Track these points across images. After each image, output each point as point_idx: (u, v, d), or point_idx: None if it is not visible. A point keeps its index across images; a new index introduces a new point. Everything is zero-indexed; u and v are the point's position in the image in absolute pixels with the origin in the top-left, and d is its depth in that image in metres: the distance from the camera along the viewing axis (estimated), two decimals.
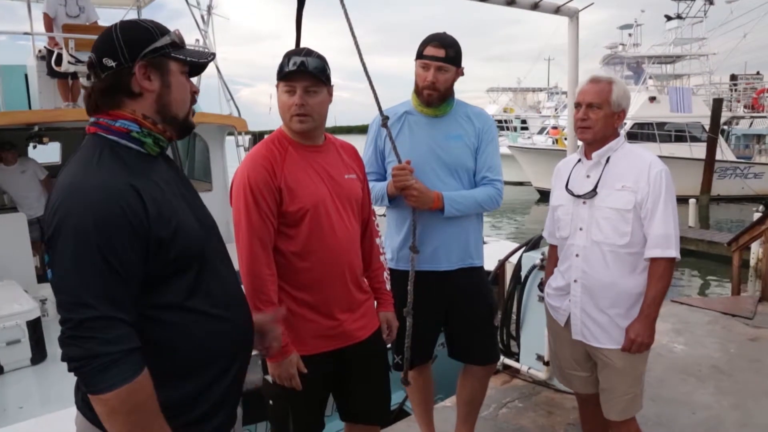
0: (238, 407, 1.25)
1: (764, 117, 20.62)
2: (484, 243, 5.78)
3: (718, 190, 16.66)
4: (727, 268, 6.11)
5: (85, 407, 1.05)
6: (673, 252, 1.77)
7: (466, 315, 2.16)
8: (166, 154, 1.17)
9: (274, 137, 1.65)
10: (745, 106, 21.13)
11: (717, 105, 16.24)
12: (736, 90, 21.32)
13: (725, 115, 17.97)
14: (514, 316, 3.15)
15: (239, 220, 1.56)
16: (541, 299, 2.32)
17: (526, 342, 3.07)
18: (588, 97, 1.82)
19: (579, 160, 1.95)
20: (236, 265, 1.54)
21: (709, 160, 16.23)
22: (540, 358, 2.99)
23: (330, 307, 1.65)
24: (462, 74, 2.08)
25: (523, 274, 3.01)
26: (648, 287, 1.80)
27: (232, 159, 5.72)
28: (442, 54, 1.96)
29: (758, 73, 23.95)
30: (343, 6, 1.79)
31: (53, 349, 3.52)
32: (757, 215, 6.84)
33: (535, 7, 2.48)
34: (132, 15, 6.70)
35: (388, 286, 1.89)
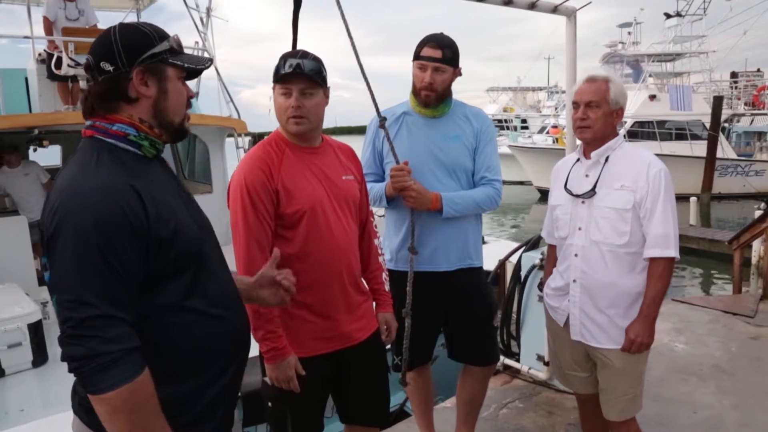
0: (235, 409, 1.25)
1: (765, 114, 20.56)
2: (485, 243, 5.77)
3: (719, 188, 16.63)
4: (729, 267, 6.09)
5: (81, 411, 1.06)
6: (673, 252, 1.77)
7: (466, 315, 2.16)
8: (161, 157, 1.17)
9: (271, 139, 1.65)
10: (745, 104, 21.07)
11: (717, 103, 16.21)
12: (736, 87, 21.28)
13: (726, 113, 17.93)
14: (514, 316, 3.14)
15: (236, 222, 1.56)
16: (541, 299, 2.31)
17: (527, 342, 3.07)
18: (586, 96, 1.82)
19: (578, 160, 1.95)
20: (233, 267, 1.54)
21: (710, 158, 16.20)
22: (540, 358, 2.98)
23: (328, 308, 1.65)
24: (460, 74, 2.08)
25: (522, 274, 3.00)
26: (647, 287, 1.79)
27: (232, 160, 5.72)
28: (439, 55, 1.96)
29: (759, 70, 23.91)
30: (339, 6, 1.79)
31: (54, 351, 3.52)
32: (758, 213, 6.83)
33: (532, 6, 2.48)
34: (131, 18, 6.72)
35: (387, 287, 1.89)
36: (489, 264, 3.51)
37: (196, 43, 5.82)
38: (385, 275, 1.90)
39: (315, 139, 1.67)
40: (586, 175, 1.89)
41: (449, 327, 2.21)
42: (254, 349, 1.56)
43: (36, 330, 3.44)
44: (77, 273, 0.95)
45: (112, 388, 0.93)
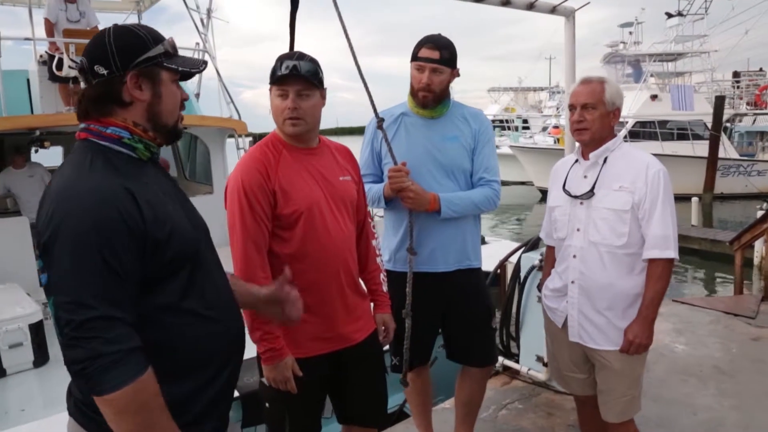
0: (230, 411, 1.25)
1: (767, 114, 20.50)
2: (486, 243, 5.74)
3: (721, 188, 16.59)
4: (731, 267, 6.07)
5: (77, 413, 1.06)
6: (672, 253, 1.76)
7: (464, 316, 2.16)
8: (155, 159, 1.17)
9: (268, 140, 1.65)
10: (747, 103, 21.01)
11: (719, 102, 16.18)
12: (738, 87, 21.22)
13: (728, 113, 17.89)
14: (513, 317, 3.14)
15: (233, 223, 1.57)
16: (541, 300, 2.31)
17: (526, 343, 3.07)
18: (582, 98, 1.82)
19: (576, 161, 1.95)
20: (231, 268, 1.55)
21: (712, 158, 16.16)
22: (540, 359, 2.98)
23: (326, 309, 1.65)
24: (458, 75, 2.08)
25: (522, 274, 3.00)
26: (646, 288, 1.79)
27: (232, 161, 5.73)
28: (437, 56, 1.96)
29: (761, 69, 23.86)
30: (337, 7, 1.79)
31: (55, 352, 3.53)
32: (760, 213, 6.80)
33: (530, 7, 2.48)
34: (132, 19, 6.73)
35: (385, 288, 1.89)
36: (490, 264, 3.52)
37: (197, 44, 5.84)
38: (383, 276, 1.90)
39: (312, 140, 1.67)
40: (585, 176, 1.89)
41: (447, 328, 2.21)
42: (252, 350, 1.57)
43: (37, 330, 3.45)
44: (76, 275, 0.95)
45: (115, 388, 0.94)
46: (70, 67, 4.49)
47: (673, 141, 16.81)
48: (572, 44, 2.70)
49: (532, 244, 3.06)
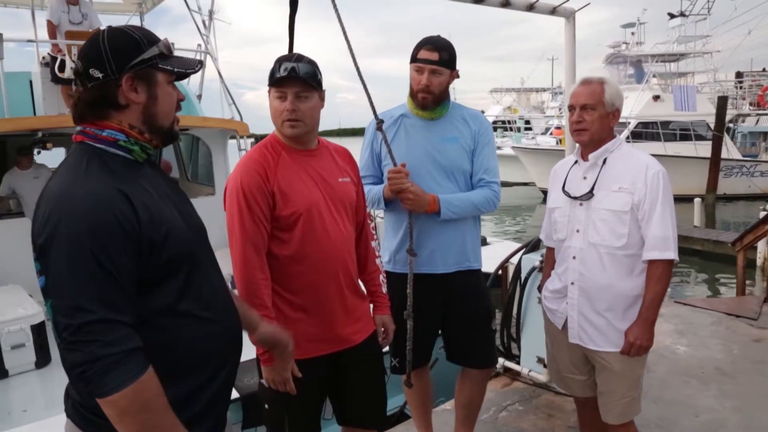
0: (228, 411, 1.26)
1: None
2: (488, 244, 5.71)
3: (724, 189, 16.53)
4: (734, 269, 6.04)
5: (75, 414, 1.07)
6: (672, 254, 1.76)
7: (464, 317, 2.16)
8: (152, 161, 1.18)
9: (267, 142, 1.66)
10: (750, 104, 20.93)
11: (722, 103, 16.12)
12: (741, 87, 21.15)
13: (731, 113, 17.83)
14: (514, 319, 3.14)
15: (233, 224, 1.57)
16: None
17: (527, 344, 3.06)
18: (581, 99, 1.82)
19: (576, 162, 1.95)
20: (230, 270, 1.55)
21: (715, 159, 16.11)
22: (541, 360, 2.97)
23: (325, 310, 1.65)
24: (457, 77, 2.08)
25: (522, 276, 3.00)
26: (646, 290, 1.79)
27: (234, 162, 5.73)
28: (436, 57, 1.97)
29: (764, 69, 23.77)
30: (336, 9, 1.80)
31: (57, 352, 3.54)
32: (763, 213, 6.77)
33: (530, 8, 2.48)
34: (135, 21, 6.76)
35: (384, 289, 1.89)
36: (492, 265, 3.52)
37: (199, 45, 5.85)
38: (382, 277, 1.90)
39: (311, 142, 1.68)
40: (584, 177, 1.88)
41: (447, 329, 2.21)
42: (252, 351, 1.58)
43: (39, 331, 3.47)
44: (73, 279, 0.95)
45: (116, 390, 0.94)
46: (72, 68, 4.51)
47: (675, 142, 16.76)
48: (572, 45, 2.70)
49: (533, 246, 3.06)
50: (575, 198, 1.88)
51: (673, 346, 3.64)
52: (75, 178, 1.02)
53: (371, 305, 1.86)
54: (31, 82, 5.40)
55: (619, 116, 1.87)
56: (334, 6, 1.79)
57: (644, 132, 16.89)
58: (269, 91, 1.60)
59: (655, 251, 1.76)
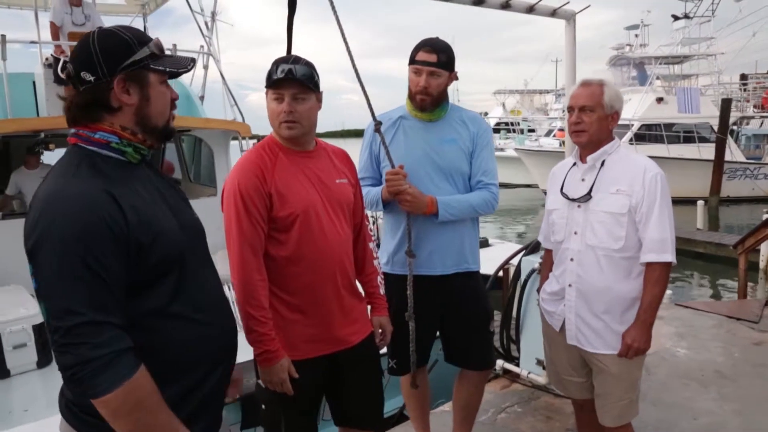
0: (223, 411, 1.26)
1: None
2: (489, 246, 5.69)
3: (727, 192, 16.46)
4: (736, 271, 6.03)
5: (68, 413, 1.07)
6: (669, 256, 1.76)
7: (462, 319, 2.16)
8: (148, 161, 1.18)
9: (265, 143, 1.66)
10: (754, 106, 20.85)
11: (725, 105, 16.05)
12: (745, 90, 21.07)
13: (734, 115, 17.76)
14: (514, 320, 3.14)
15: (230, 226, 1.58)
16: None
17: (526, 346, 3.06)
18: (580, 101, 1.82)
19: (574, 164, 1.95)
20: (228, 270, 1.56)
21: (718, 161, 16.04)
22: (540, 362, 2.96)
23: (322, 311, 1.65)
24: (456, 78, 2.09)
25: (522, 277, 3.00)
26: (644, 292, 1.79)
27: None
28: (434, 59, 1.97)
29: None
30: (334, 10, 1.81)
31: None
32: (766, 216, 6.74)
33: (530, 10, 2.48)
34: (138, 22, 6.79)
35: (382, 291, 1.89)
36: (494, 267, 3.52)
37: (201, 47, 5.88)
38: (380, 279, 1.90)
39: (308, 143, 1.68)
40: (582, 179, 1.89)
41: (445, 330, 2.21)
42: (250, 352, 1.58)
43: (40, 331, 3.48)
44: (62, 282, 0.96)
45: (107, 390, 0.95)
46: (62, 72, 4.53)
47: (679, 144, 16.70)
48: (573, 47, 2.71)
49: (533, 247, 3.06)
50: (573, 200, 1.88)
51: (674, 349, 3.63)
52: (64, 181, 1.02)
53: (369, 306, 1.86)
54: (34, 83, 5.43)
55: (618, 119, 1.87)
56: (333, 8, 1.80)
57: (647, 134, 16.84)
58: (267, 93, 1.60)
59: (652, 254, 1.76)
